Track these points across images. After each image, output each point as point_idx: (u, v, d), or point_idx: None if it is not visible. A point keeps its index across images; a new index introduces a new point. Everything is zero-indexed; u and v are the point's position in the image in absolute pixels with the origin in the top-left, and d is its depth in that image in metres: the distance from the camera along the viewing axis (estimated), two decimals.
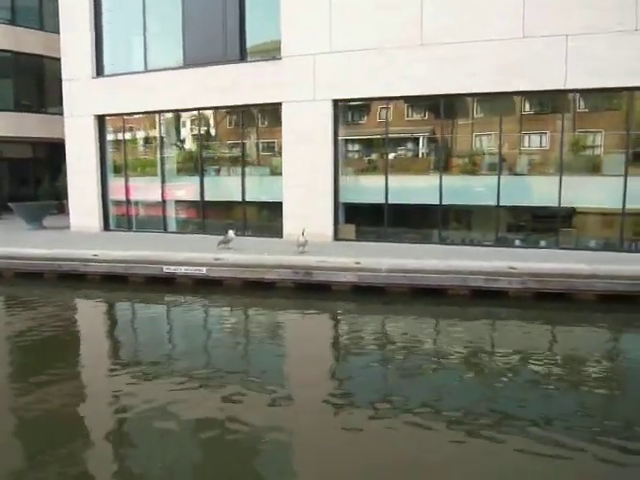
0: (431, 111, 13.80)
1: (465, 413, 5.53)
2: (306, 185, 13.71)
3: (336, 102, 13.66)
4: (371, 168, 14.31)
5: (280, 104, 14.07)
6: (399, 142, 14.23)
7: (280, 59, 14.04)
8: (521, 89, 12.15)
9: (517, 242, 12.66)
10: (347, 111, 14.31)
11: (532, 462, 4.69)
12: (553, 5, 11.67)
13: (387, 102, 13.57)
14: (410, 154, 14.48)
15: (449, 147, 13.72)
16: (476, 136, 13.51)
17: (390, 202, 13.41)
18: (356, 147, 14.87)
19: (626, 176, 11.70)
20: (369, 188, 13.95)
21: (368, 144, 14.59)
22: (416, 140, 14.22)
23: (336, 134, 13.76)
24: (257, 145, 15.57)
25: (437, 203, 12.97)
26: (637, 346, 8.47)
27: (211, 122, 16.22)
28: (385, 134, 13.64)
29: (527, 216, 13.10)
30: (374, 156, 14.43)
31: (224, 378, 6.66)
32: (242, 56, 14.70)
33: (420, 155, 14.40)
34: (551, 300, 9.58)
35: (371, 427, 5.37)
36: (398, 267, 10.39)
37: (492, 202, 12.58)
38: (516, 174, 12.91)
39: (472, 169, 13.35)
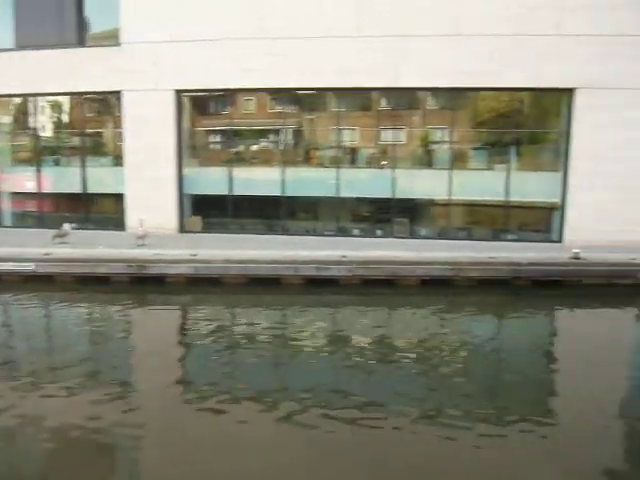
0: (290, 104, 14.02)
1: (286, 394, 5.72)
2: (149, 176, 13.36)
3: (179, 92, 13.43)
4: (218, 160, 14.20)
5: (120, 92, 13.57)
6: (252, 134, 14.30)
7: (120, 46, 13.53)
8: (357, 86, 12.64)
9: (356, 232, 13.22)
10: (209, 101, 14.11)
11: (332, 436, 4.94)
12: (389, 5, 12.24)
13: (245, 94, 13.66)
14: (259, 147, 14.57)
15: (299, 140, 14.04)
16: (321, 130, 13.95)
17: (235, 194, 13.45)
18: (211, 138, 14.72)
19: (451, 170, 12.64)
20: (216, 179, 13.86)
21: (224, 135, 14.35)
22: (268, 132, 14.32)
23: (179, 124, 13.52)
24: (99, 134, 14.94)
25: (280, 194, 13.19)
26: (452, 324, 9.11)
27: (49, 109, 15.30)
28: (233, 126, 13.70)
29: (366, 207, 13.71)
30: (222, 147, 14.37)
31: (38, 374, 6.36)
32: (80, 41, 13.99)
33: (268, 147, 14.52)
34: (377, 286, 10.11)
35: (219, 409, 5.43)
36: (234, 258, 10.45)
37: (333, 194, 13.02)
38: (357, 167, 13.49)
39: (314, 161, 13.76)
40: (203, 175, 14.05)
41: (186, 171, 13.76)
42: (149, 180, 13.36)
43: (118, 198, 14.03)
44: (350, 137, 14.06)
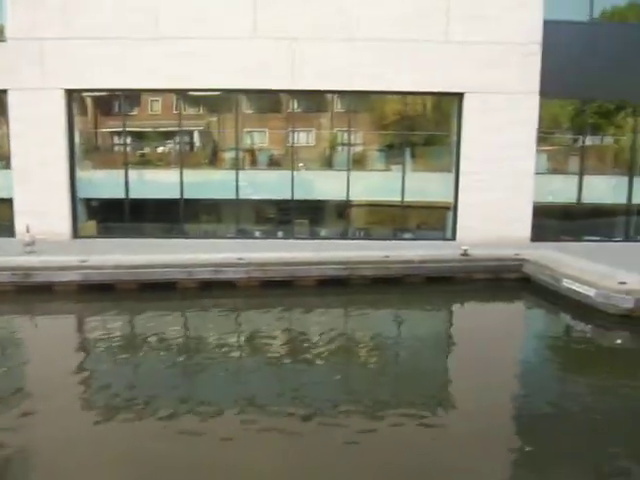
0: (197, 106, 13.83)
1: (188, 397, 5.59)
2: (38, 180, 12.73)
3: (71, 92, 12.90)
4: (116, 162, 13.72)
5: (5, 91, 12.86)
6: (157, 136, 13.99)
7: (5, 42, 12.82)
8: (252, 88, 12.65)
9: (257, 234, 13.22)
10: (113, 102, 13.58)
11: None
12: (281, 7, 12.30)
13: (151, 95, 13.35)
14: (161, 149, 14.25)
15: (205, 142, 13.92)
16: (227, 132, 13.81)
17: (133, 197, 13.09)
18: (114, 140, 14.18)
19: (349, 171, 12.90)
20: (112, 183, 13.40)
21: (127, 136, 13.82)
22: (173, 134, 13.89)
23: (72, 126, 12.98)
24: None
25: (179, 197, 12.96)
26: (344, 323, 9.29)
27: None
28: (136, 127, 13.42)
29: (267, 209, 13.74)
30: (122, 149, 13.85)
31: None
32: None
33: (169, 149, 14.20)
34: (275, 287, 10.15)
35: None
36: (126, 263, 10.15)
37: (233, 196, 12.94)
38: (258, 169, 13.50)
39: (216, 163, 13.64)
40: (99, 178, 13.55)
41: (81, 174, 13.22)
42: (39, 184, 12.71)
43: (8, 203, 13.28)
44: (259, 139, 14.11)
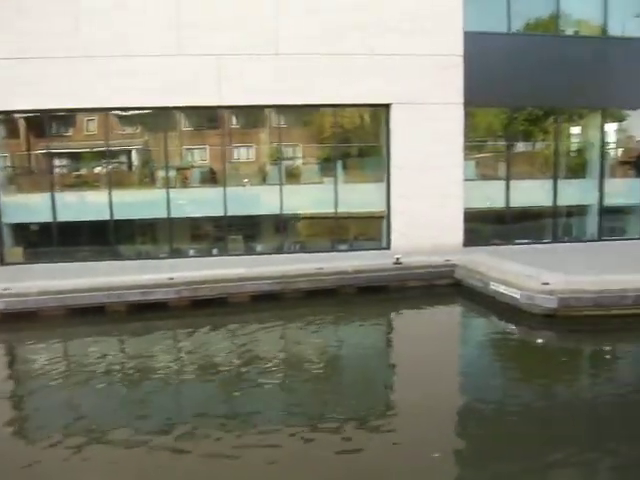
0: (133, 124, 13.63)
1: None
2: None
3: None
4: (45, 185, 13.17)
5: None
6: (92, 156, 13.58)
7: None
8: (181, 105, 12.54)
9: (192, 252, 13.04)
10: (47, 123, 13.00)
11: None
12: (204, 25, 12.23)
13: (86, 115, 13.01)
14: (98, 169, 13.76)
15: (142, 161, 13.77)
16: (166, 150, 13.52)
17: (62, 220, 12.70)
18: (45, 162, 13.57)
19: (282, 185, 12.92)
20: (39, 206, 12.93)
21: (59, 158, 13.51)
22: (108, 154, 13.41)
23: None
24: None
25: (109, 218, 12.66)
26: (279, 338, 9.21)
27: None
28: (54, 149, 12.97)
29: (201, 226, 13.60)
30: (52, 171, 13.26)
31: None
32: None
33: (94, 170, 13.80)
34: (208, 306, 10.01)
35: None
36: (52, 289, 9.83)
37: (164, 215, 12.73)
38: (189, 186, 13.36)
39: (150, 182, 13.42)
40: (26, 202, 13.07)
41: (5, 199, 12.78)
42: None
43: None
44: (199, 156, 13.98)
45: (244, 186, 13.41)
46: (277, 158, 13.45)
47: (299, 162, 14.20)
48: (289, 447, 5.10)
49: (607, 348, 8.33)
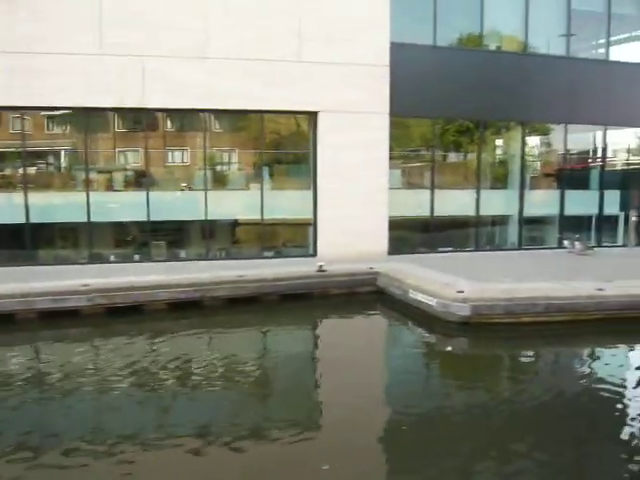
0: (62, 125, 13.23)
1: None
2: None
3: None
4: None
5: None
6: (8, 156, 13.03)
7: None
8: (108, 106, 12.21)
9: (112, 258, 12.69)
10: None
11: None
12: (128, 25, 11.95)
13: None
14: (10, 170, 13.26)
15: (70, 163, 13.42)
16: (97, 152, 13.30)
17: None
18: None
19: (206, 190, 12.76)
20: None
21: None
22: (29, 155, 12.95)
23: None
24: None
25: (25, 222, 12.16)
26: (200, 347, 8.99)
27: None
28: None
29: (123, 231, 13.27)
30: None
31: None
32: None
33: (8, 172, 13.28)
34: (124, 314, 9.73)
35: None
36: None
37: (84, 219, 12.32)
38: (112, 190, 13.02)
39: (69, 185, 12.99)
40: None
41: None
42: None
43: None
44: (129, 159, 13.64)
45: (182, 190, 13.24)
46: (205, 163, 13.26)
47: (227, 168, 14.09)
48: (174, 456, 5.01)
49: (516, 354, 8.63)
